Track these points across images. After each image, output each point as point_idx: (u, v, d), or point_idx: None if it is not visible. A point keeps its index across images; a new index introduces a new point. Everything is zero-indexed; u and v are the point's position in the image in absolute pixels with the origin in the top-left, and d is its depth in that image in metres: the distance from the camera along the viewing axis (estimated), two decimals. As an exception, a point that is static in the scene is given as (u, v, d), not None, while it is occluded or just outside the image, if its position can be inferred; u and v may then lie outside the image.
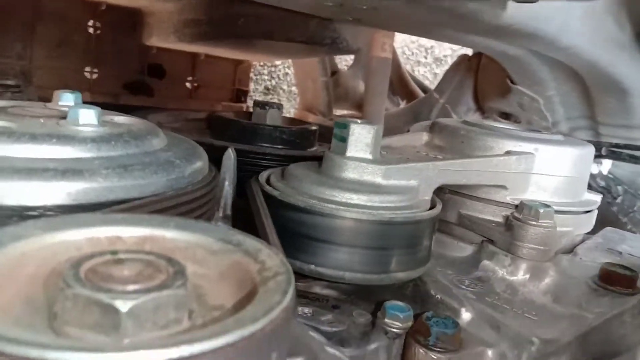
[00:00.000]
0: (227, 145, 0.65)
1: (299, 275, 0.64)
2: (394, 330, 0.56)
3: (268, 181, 0.66)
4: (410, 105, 1.79)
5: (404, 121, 1.52)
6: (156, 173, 0.51)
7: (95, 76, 1.46)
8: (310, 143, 1.02)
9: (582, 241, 0.79)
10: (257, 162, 0.83)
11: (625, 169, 1.18)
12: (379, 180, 0.63)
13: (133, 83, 1.55)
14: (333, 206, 0.58)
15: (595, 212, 0.79)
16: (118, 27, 1.44)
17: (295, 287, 0.35)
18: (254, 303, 0.31)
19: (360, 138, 0.64)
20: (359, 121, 0.66)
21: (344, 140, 0.65)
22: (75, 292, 0.27)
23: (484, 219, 0.73)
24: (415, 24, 1.08)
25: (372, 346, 0.57)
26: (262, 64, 2.45)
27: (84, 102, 0.61)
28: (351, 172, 0.63)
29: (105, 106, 0.58)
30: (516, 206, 0.70)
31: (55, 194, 0.42)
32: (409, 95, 1.94)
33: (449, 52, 3.04)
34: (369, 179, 0.63)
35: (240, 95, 1.78)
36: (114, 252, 0.32)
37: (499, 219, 0.72)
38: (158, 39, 1.38)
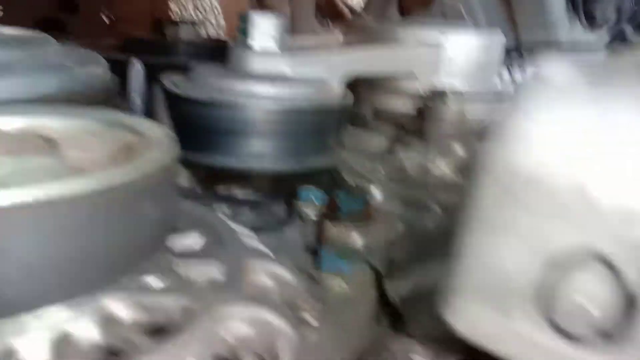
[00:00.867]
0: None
1: (216, 177, 0.64)
2: (308, 213, 0.57)
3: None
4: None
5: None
6: (45, 74, 0.50)
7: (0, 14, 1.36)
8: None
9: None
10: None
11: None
12: (285, 70, 0.62)
13: (44, 19, 1.44)
14: (240, 99, 0.57)
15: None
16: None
17: (176, 153, 0.36)
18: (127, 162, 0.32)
19: (263, 29, 0.62)
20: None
21: (247, 33, 0.63)
22: None
23: (398, 111, 0.74)
24: None
25: (288, 231, 0.58)
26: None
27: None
28: (256, 64, 0.62)
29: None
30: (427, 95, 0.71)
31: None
32: (338, 15, 1.90)
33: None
34: (275, 69, 0.62)
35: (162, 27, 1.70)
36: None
37: (412, 109, 0.73)
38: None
